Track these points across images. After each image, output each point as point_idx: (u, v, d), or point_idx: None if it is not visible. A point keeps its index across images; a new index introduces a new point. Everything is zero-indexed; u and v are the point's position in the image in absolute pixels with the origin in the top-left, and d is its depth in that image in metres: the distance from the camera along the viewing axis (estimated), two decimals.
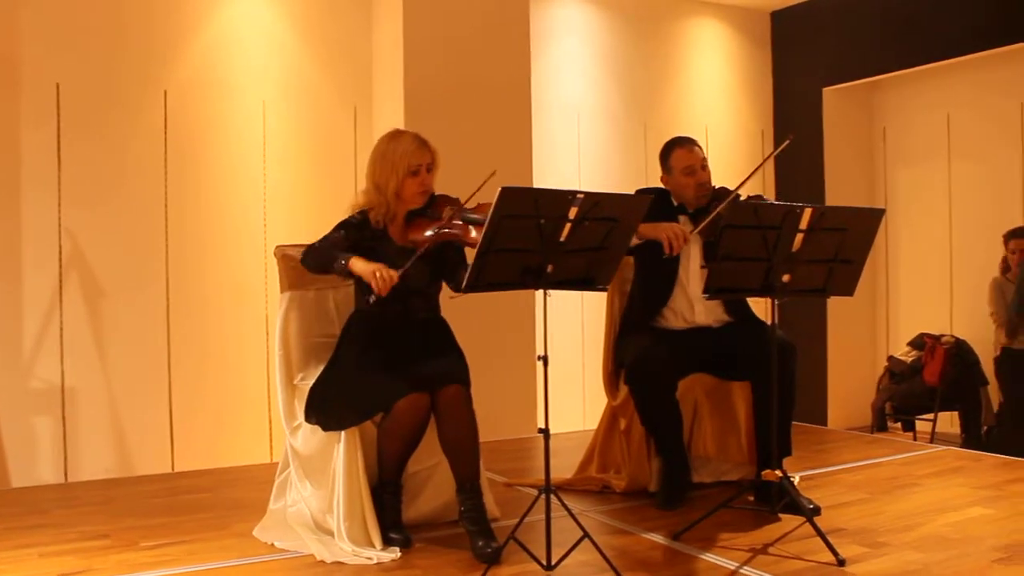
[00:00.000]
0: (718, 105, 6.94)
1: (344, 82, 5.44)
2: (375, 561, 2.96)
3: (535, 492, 2.91)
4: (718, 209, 3.36)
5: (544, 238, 2.72)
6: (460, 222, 3.18)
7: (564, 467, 4.03)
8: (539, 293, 2.83)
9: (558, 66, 6.29)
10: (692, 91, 6.83)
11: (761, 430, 3.58)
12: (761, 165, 3.74)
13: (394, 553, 3.02)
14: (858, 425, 6.56)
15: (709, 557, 2.99)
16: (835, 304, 6.55)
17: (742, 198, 3.52)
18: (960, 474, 4.13)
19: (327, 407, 3.18)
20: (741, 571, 2.86)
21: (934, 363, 6.08)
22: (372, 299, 3.05)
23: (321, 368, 3.32)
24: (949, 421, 6.21)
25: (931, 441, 5.82)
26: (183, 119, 5.03)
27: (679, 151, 3.74)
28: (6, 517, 3.58)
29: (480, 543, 2.98)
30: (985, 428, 5.96)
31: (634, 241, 3.43)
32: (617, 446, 3.88)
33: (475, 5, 5.18)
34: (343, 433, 3.12)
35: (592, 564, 2.85)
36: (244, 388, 5.13)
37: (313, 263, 3.21)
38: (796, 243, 3.06)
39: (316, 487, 3.27)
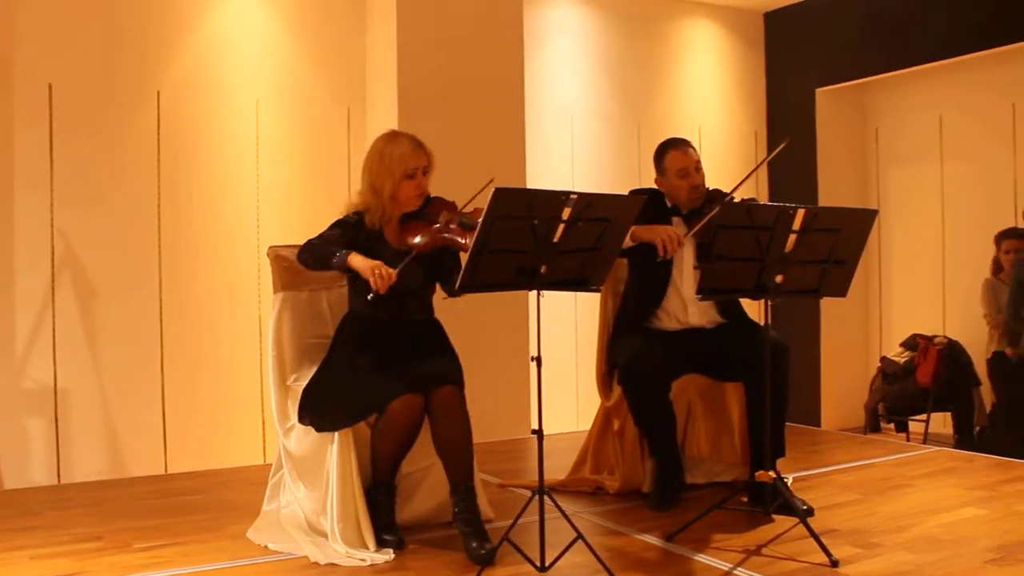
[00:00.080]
0: (711, 106, 6.95)
1: (337, 82, 5.43)
2: (369, 563, 2.96)
3: (529, 493, 2.91)
4: (712, 212, 3.36)
5: (538, 239, 2.72)
6: (456, 227, 3.18)
7: (558, 468, 4.04)
8: (532, 294, 2.83)
9: (552, 67, 6.29)
10: (685, 92, 6.83)
11: (754, 431, 3.60)
12: (757, 168, 3.75)
13: (388, 554, 3.02)
14: (851, 426, 6.58)
15: (703, 558, 3.00)
16: (828, 305, 6.55)
17: (736, 200, 3.52)
18: (953, 475, 4.14)
19: (320, 408, 3.17)
20: (735, 572, 2.86)
21: (927, 364, 6.09)
22: (370, 296, 3.04)
23: (314, 369, 3.31)
24: (942, 422, 6.22)
25: (924, 442, 5.84)
26: (176, 119, 5.02)
27: (673, 153, 3.74)
28: None
29: (474, 544, 2.98)
30: (978, 429, 5.97)
31: (628, 243, 3.44)
32: (611, 447, 3.89)
33: (468, 6, 5.18)
34: (336, 434, 3.12)
35: (586, 565, 2.86)
36: (237, 389, 5.12)
37: (310, 259, 3.19)
38: (789, 244, 3.07)
39: (310, 488, 3.27)
